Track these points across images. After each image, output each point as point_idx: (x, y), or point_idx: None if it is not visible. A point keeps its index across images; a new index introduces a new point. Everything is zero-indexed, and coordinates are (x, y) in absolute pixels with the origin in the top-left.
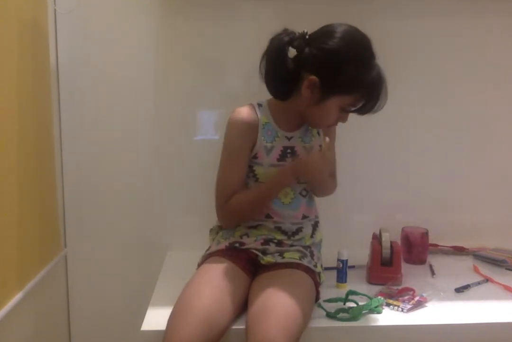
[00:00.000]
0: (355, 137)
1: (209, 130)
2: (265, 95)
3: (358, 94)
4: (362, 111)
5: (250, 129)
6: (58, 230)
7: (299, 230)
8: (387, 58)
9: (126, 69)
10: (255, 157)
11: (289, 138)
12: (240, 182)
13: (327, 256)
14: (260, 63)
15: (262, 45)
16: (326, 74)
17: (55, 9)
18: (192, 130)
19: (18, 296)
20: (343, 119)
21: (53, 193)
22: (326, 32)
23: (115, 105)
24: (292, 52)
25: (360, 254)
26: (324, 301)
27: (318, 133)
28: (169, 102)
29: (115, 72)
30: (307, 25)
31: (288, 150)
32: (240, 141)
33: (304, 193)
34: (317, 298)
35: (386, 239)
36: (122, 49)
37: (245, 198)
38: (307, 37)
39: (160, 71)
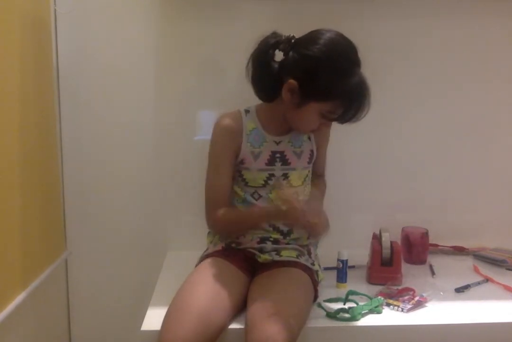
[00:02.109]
0: (355, 137)
1: (209, 130)
2: None
3: (335, 102)
4: (340, 120)
5: (232, 135)
6: (61, 231)
7: (292, 230)
8: (387, 57)
9: (126, 69)
10: (242, 162)
11: (277, 143)
12: (226, 188)
13: (327, 256)
14: (247, 64)
15: None
16: (304, 80)
17: (55, 9)
18: (192, 130)
19: (21, 296)
20: (326, 125)
21: (56, 194)
22: (310, 37)
23: (115, 106)
24: (279, 55)
25: (360, 254)
26: (324, 301)
27: (309, 138)
28: (169, 102)
29: (115, 72)
30: (307, 25)
31: (277, 155)
32: (223, 148)
33: (295, 196)
34: (315, 297)
35: (386, 239)
36: (122, 49)
37: (230, 217)
38: (293, 41)
39: (160, 71)
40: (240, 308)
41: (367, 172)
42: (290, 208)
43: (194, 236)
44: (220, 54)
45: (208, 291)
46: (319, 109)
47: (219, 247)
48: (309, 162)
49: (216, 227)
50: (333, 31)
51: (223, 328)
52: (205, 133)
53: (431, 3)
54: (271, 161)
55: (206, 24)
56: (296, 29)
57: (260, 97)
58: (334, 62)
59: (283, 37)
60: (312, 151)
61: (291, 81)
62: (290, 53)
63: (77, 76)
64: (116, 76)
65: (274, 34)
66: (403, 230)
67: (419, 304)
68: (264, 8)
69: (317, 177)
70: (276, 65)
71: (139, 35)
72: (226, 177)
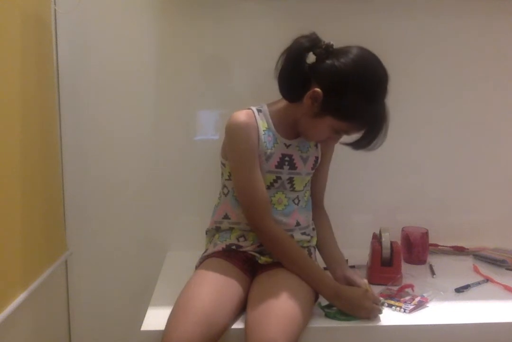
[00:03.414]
0: (355, 137)
1: (209, 130)
2: (264, 95)
3: (352, 124)
4: (356, 146)
5: (252, 132)
6: (61, 231)
7: (293, 233)
8: (387, 56)
9: (126, 69)
10: None
11: (287, 146)
12: (264, 188)
13: None
14: (279, 59)
15: (261, 44)
16: (330, 92)
17: (55, 9)
18: (192, 130)
19: (21, 296)
20: (334, 140)
21: (56, 194)
22: (348, 53)
23: (115, 106)
24: (312, 58)
25: (360, 254)
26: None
27: (316, 145)
28: (169, 102)
29: (115, 72)
30: (307, 24)
31: (286, 158)
32: (249, 144)
33: (296, 201)
34: (316, 298)
35: (386, 239)
36: (123, 49)
37: (286, 243)
38: (331, 49)
39: (161, 71)
40: (242, 308)
41: (367, 172)
42: (373, 309)
43: (194, 236)
44: (220, 53)
45: (212, 292)
46: (333, 125)
47: (219, 247)
48: (312, 169)
49: (265, 236)
50: (373, 55)
51: (226, 329)
52: (205, 133)
53: (439, 2)
54: (280, 164)
55: (206, 23)
56: (296, 29)
57: (284, 96)
58: (364, 84)
59: (322, 43)
60: (316, 158)
61: (318, 90)
62: (327, 61)
63: (77, 76)
64: (117, 76)
65: (311, 36)
66: (403, 230)
67: (420, 305)
68: (265, 8)
69: (319, 212)
70: (306, 66)
71: (139, 35)
72: (260, 175)
